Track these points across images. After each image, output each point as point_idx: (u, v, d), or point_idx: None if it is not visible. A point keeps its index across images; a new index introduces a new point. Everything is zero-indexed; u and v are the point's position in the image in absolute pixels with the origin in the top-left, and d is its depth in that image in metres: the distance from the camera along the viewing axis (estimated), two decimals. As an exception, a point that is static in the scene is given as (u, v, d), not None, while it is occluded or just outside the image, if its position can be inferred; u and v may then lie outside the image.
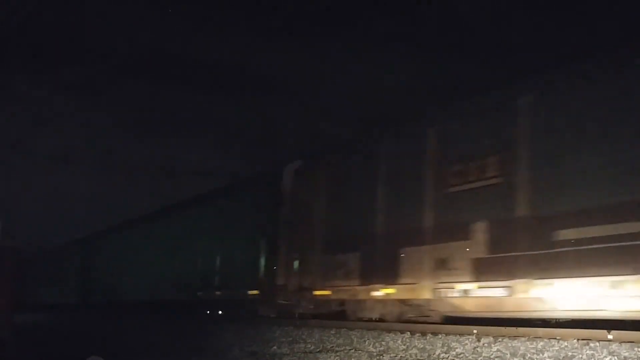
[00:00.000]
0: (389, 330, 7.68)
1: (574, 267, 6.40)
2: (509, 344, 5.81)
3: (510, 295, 7.01)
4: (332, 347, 6.90)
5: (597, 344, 5.43)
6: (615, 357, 4.85)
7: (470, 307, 7.79)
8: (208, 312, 14.78)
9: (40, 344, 10.09)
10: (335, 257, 9.96)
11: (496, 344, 5.89)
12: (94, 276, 22.87)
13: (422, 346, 6.27)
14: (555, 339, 5.91)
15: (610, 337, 5.75)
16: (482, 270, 7.37)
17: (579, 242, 6.39)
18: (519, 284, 6.90)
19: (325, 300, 10.20)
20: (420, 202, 8.46)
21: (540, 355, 5.19)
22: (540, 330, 6.48)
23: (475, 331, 6.82)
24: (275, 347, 7.23)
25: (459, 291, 7.61)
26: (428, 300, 8.26)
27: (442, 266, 7.91)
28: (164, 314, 15.45)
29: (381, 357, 5.99)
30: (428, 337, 6.78)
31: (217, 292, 13.99)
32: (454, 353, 5.75)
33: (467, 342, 6.19)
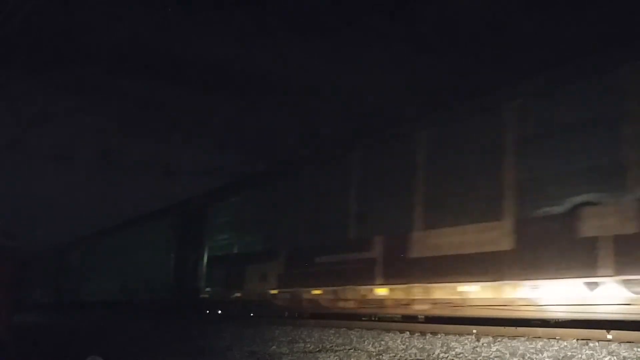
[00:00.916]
0: (389, 330, 7.68)
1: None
2: (508, 344, 5.81)
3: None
4: (332, 346, 6.90)
5: (597, 343, 5.44)
6: (615, 357, 4.85)
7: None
8: (208, 311, 14.79)
9: (39, 344, 10.09)
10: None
11: (495, 344, 5.89)
12: (93, 276, 22.87)
13: (421, 346, 6.28)
14: (555, 338, 5.92)
15: (609, 336, 5.75)
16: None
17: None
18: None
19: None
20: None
21: (540, 355, 5.20)
22: (540, 330, 6.48)
23: (474, 331, 6.82)
24: (274, 347, 7.23)
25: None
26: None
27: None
28: (164, 314, 15.45)
29: (380, 356, 5.99)
30: (427, 337, 6.79)
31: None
32: (454, 353, 5.76)
33: (466, 341, 6.19)
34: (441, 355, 5.74)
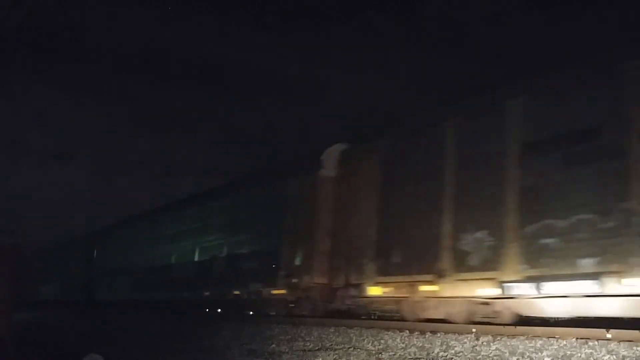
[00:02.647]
0: (388, 329, 7.68)
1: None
2: (508, 343, 5.81)
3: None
4: (331, 345, 6.90)
5: (596, 342, 5.44)
6: (614, 356, 4.85)
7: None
8: (207, 310, 14.79)
9: (39, 342, 10.09)
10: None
11: (495, 343, 5.90)
12: (92, 274, 22.86)
13: (421, 344, 6.28)
14: (554, 337, 5.92)
15: (609, 335, 5.76)
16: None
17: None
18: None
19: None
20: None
21: (539, 354, 5.20)
22: (539, 329, 6.49)
23: (474, 330, 6.82)
24: (274, 345, 7.23)
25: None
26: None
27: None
28: (164, 312, 15.45)
29: (380, 355, 5.99)
30: (427, 336, 6.79)
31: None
32: (453, 352, 5.76)
33: (466, 340, 6.19)
34: (440, 354, 5.74)
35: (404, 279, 8.52)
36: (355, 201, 9.91)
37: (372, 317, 9.98)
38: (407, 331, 7.28)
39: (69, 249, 26.02)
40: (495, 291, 7.25)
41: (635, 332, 5.68)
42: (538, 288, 6.78)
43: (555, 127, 7.03)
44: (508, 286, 7.08)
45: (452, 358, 5.55)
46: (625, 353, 4.92)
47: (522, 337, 6.10)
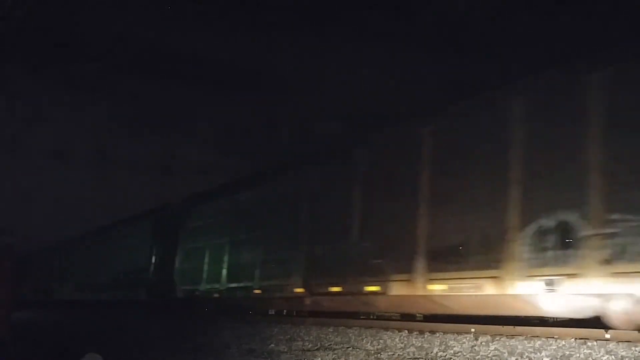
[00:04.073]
0: (387, 328, 7.69)
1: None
2: (507, 343, 5.82)
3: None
4: (330, 344, 6.89)
5: (595, 343, 5.45)
6: (613, 357, 4.86)
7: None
8: (206, 309, 14.78)
9: (37, 342, 10.08)
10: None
11: (494, 343, 5.90)
12: (91, 273, 22.85)
13: (419, 344, 6.28)
14: (553, 337, 5.93)
15: (607, 336, 5.76)
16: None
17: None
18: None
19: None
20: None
21: (538, 354, 5.20)
22: (538, 329, 6.49)
23: (473, 330, 6.83)
24: (272, 345, 7.23)
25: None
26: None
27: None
28: (163, 312, 15.44)
29: (379, 355, 5.99)
30: (426, 336, 6.80)
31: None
32: (452, 351, 5.76)
33: (464, 340, 6.20)
34: (439, 353, 5.74)
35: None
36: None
37: (372, 317, 9.98)
38: (406, 331, 7.28)
39: (65, 248, 26.08)
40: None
41: (634, 332, 5.69)
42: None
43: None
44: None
45: (450, 358, 5.55)
46: (624, 353, 4.92)
47: (521, 337, 6.10)
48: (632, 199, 5.95)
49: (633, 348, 5.08)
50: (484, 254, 7.23)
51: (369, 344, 6.68)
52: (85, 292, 22.81)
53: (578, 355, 5.02)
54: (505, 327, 6.82)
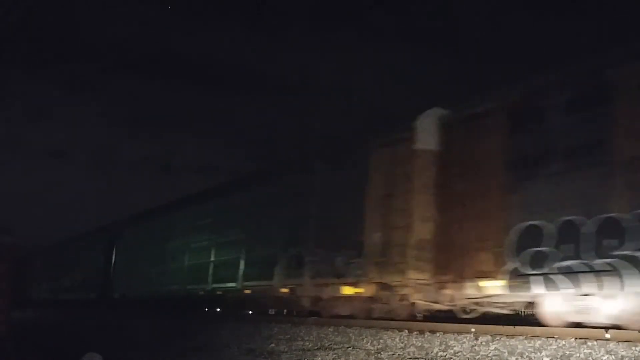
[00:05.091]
0: (387, 328, 7.68)
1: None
2: (507, 343, 5.82)
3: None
4: (330, 344, 6.89)
5: (595, 342, 5.45)
6: (613, 357, 4.86)
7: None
8: (206, 309, 14.79)
9: (38, 341, 10.08)
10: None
11: (494, 343, 5.90)
12: (91, 272, 22.85)
13: (420, 344, 6.28)
14: (553, 337, 5.92)
15: (607, 336, 5.76)
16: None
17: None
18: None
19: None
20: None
21: (538, 353, 5.20)
22: (538, 329, 6.49)
23: (473, 330, 6.82)
24: (273, 345, 7.23)
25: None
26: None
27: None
28: (162, 311, 15.44)
29: (379, 354, 5.99)
30: (426, 335, 6.79)
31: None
32: (452, 351, 5.76)
33: (465, 340, 6.19)
34: (439, 353, 5.74)
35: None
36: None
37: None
38: (406, 331, 7.27)
39: (65, 248, 26.11)
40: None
41: (634, 332, 5.69)
42: None
43: None
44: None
45: (451, 358, 5.55)
46: (624, 353, 4.92)
47: (521, 337, 6.10)
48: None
49: (633, 348, 5.08)
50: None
51: (369, 343, 6.67)
52: (53, 293, 26.49)
53: (578, 355, 5.02)
54: (505, 326, 6.81)
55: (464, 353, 5.62)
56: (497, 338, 6.14)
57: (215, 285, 13.48)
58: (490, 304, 7.45)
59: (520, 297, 6.98)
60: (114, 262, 20.43)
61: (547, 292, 6.55)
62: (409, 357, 5.80)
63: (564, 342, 5.58)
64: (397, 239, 8.52)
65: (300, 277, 10.43)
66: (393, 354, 5.96)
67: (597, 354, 4.97)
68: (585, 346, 5.33)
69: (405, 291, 8.31)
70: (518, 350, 5.41)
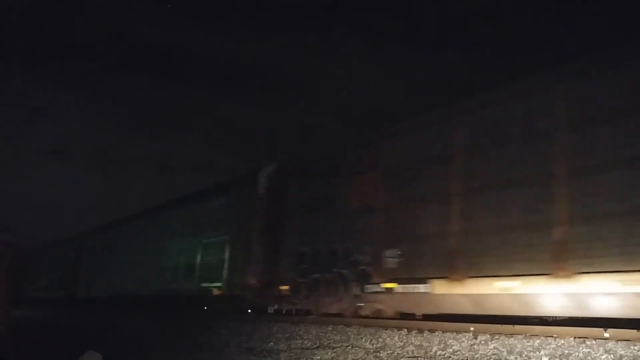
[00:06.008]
0: (386, 327, 7.69)
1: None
2: (506, 342, 5.82)
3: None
4: (329, 343, 6.90)
5: (594, 342, 5.46)
6: (612, 356, 4.86)
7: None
8: (205, 307, 14.81)
9: (37, 339, 10.07)
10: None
11: (493, 342, 5.90)
12: (91, 271, 22.88)
13: (418, 343, 6.28)
14: (552, 336, 5.93)
15: (606, 335, 5.77)
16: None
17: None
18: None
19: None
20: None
21: (537, 353, 5.20)
22: (537, 328, 6.50)
23: (472, 329, 6.83)
24: (272, 344, 7.23)
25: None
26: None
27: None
28: (161, 310, 15.45)
29: (378, 353, 5.99)
30: (425, 334, 6.80)
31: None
32: (451, 350, 5.76)
33: (463, 339, 6.20)
34: (438, 352, 5.74)
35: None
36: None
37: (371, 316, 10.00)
38: (405, 330, 7.28)
39: (65, 246, 26.23)
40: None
41: (633, 331, 5.70)
42: None
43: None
44: None
45: (450, 357, 5.55)
46: (623, 352, 4.93)
47: (520, 336, 6.11)
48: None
49: (632, 347, 5.09)
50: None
51: (368, 342, 6.68)
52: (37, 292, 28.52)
53: (577, 354, 5.03)
54: (504, 325, 6.83)
55: (463, 352, 5.63)
56: (496, 337, 6.15)
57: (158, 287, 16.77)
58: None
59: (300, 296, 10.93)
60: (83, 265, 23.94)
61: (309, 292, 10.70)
62: (408, 356, 5.80)
63: (562, 341, 5.59)
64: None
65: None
66: (392, 353, 5.96)
67: (595, 353, 4.98)
68: (584, 345, 5.34)
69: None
70: (517, 349, 5.41)
